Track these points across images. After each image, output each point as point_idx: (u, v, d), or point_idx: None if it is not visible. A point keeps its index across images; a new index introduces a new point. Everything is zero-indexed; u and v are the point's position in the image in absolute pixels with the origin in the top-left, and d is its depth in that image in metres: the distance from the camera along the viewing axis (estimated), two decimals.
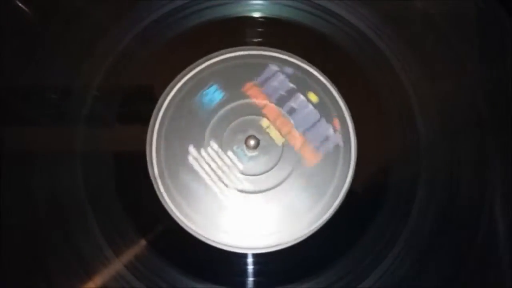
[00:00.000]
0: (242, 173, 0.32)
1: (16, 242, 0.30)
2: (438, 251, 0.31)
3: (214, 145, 0.33)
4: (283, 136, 0.33)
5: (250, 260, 0.31)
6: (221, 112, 0.33)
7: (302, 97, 0.33)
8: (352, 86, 0.34)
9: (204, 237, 0.31)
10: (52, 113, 0.33)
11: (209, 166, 0.32)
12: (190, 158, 0.32)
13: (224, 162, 0.32)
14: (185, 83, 0.34)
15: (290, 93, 0.33)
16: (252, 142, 0.32)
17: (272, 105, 0.33)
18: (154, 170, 0.32)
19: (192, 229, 0.31)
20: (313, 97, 0.33)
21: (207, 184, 0.32)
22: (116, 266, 0.30)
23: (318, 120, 0.33)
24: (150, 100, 0.33)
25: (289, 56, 0.34)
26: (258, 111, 0.33)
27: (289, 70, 0.34)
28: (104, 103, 0.33)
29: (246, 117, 0.33)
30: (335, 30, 0.35)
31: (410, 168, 0.32)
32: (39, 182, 0.31)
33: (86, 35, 0.34)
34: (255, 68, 0.34)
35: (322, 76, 0.34)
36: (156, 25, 0.34)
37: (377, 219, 0.31)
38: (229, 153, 0.33)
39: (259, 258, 0.31)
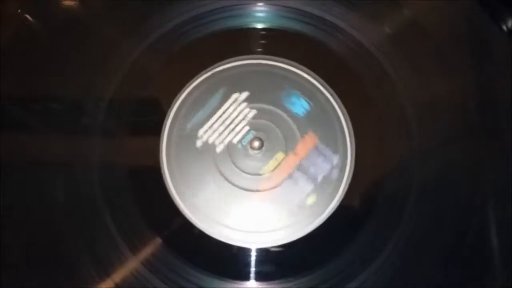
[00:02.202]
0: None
1: (37, 243, 0.32)
2: (428, 255, 0.33)
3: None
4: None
5: (254, 254, 0.33)
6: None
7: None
8: (350, 94, 0.36)
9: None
10: (65, 125, 0.34)
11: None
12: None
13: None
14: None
15: None
16: (256, 143, 0.34)
17: None
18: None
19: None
20: None
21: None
22: (133, 263, 0.32)
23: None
24: (160, 110, 0.35)
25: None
26: None
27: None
28: (116, 114, 0.35)
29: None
30: (330, 38, 0.36)
31: (404, 175, 0.34)
32: (58, 188, 0.33)
33: (97, 48, 0.35)
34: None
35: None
36: (165, 38, 0.36)
37: (373, 216, 0.33)
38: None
39: (263, 252, 0.33)
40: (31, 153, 0.34)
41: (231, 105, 0.35)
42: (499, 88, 0.35)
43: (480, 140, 0.34)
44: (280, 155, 0.34)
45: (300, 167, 0.34)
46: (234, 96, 0.35)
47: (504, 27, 0.36)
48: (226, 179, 0.34)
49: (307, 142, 0.35)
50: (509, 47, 0.36)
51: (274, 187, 0.34)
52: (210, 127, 0.35)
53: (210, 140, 0.35)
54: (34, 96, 0.35)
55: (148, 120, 0.35)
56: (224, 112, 0.35)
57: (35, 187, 0.33)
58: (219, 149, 0.35)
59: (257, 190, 0.34)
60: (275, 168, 0.34)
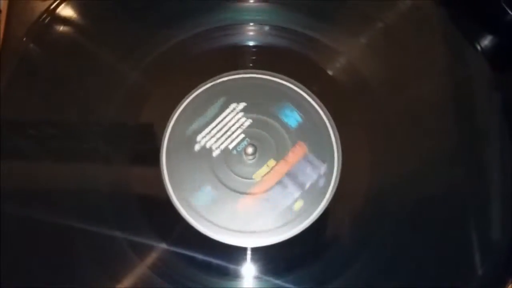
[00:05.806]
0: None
1: (49, 251, 0.34)
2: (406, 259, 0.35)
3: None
4: None
5: (247, 253, 0.35)
6: None
7: None
8: (339, 108, 0.39)
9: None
10: (61, 150, 0.36)
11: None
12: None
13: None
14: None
15: None
16: (250, 150, 0.36)
17: None
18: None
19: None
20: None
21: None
22: (141, 268, 0.34)
23: None
24: (161, 118, 0.38)
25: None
26: None
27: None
28: (116, 139, 0.37)
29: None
30: (311, 50, 0.39)
31: (387, 186, 0.37)
32: (68, 204, 0.35)
33: (96, 74, 0.37)
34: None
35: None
36: (156, 62, 0.38)
37: (356, 223, 0.36)
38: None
39: (259, 251, 0.35)
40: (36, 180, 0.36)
41: (229, 114, 0.38)
42: (478, 108, 0.38)
43: (461, 157, 0.37)
44: (271, 162, 0.37)
45: (289, 174, 0.37)
46: (232, 106, 0.38)
47: (478, 46, 0.39)
48: (222, 182, 0.36)
49: (297, 152, 0.37)
50: (484, 65, 0.39)
51: (265, 191, 0.36)
52: (208, 133, 0.37)
53: (208, 145, 0.37)
54: (35, 122, 0.36)
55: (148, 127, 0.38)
56: (222, 120, 0.38)
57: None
58: (215, 153, 0.37)
59: (250, 193, 0.36)
60: (266, 174, 0.37)
